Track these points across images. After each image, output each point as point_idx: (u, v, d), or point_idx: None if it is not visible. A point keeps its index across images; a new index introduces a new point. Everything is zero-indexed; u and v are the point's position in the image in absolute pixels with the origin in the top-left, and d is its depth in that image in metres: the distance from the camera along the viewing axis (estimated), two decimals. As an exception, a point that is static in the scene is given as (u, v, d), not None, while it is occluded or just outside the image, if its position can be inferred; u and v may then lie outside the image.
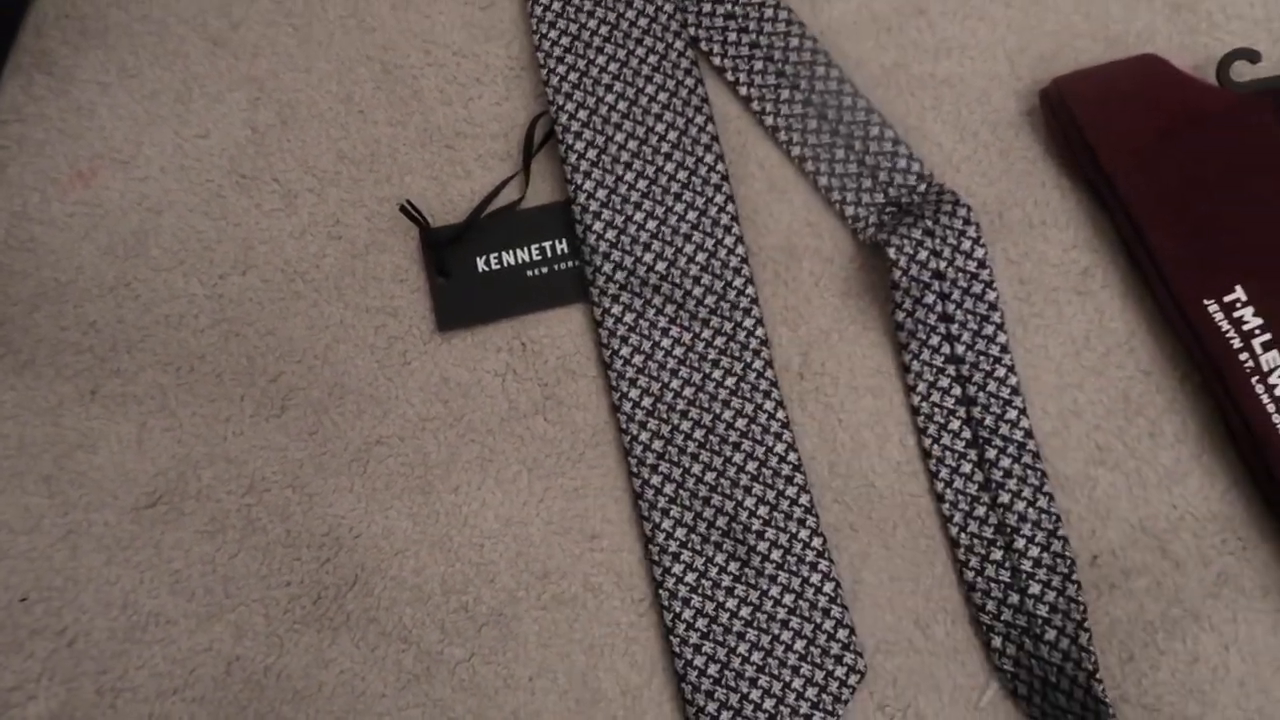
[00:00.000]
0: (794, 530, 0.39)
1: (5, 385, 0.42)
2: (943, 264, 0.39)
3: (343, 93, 0.44)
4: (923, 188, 0.42)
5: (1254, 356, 0.38)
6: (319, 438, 0.41)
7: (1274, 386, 0.38)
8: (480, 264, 0.42)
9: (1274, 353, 0.38)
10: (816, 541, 0.39)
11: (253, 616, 0.40)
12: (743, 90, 0.43)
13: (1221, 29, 0.43)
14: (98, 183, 0.43)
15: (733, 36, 0.44)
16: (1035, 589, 0.37)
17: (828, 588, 0.38)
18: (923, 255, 0.39)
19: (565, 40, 0.43)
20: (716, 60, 0.44)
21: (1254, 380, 0.38)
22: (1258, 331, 0.38)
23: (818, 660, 0.38)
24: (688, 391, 0.40)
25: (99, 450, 0.41)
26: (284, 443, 0.41)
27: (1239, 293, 0.39)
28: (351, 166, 0.43)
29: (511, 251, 0.42)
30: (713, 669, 0.38)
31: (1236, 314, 0.39)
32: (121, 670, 0.39)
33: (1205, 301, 0.39)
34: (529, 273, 0.42)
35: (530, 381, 0.41)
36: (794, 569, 0.38)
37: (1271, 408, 0.38)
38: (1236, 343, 0.38)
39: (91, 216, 0.43)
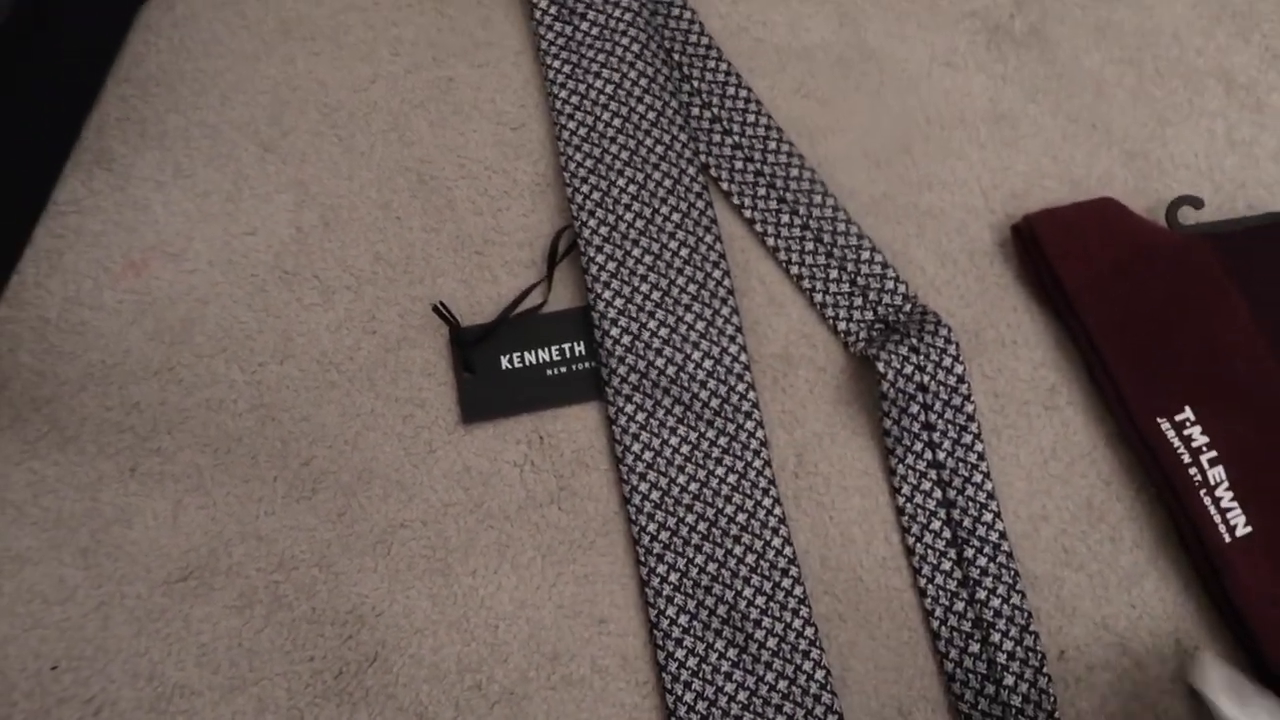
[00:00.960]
0: (789, 620, 0.42)
1: (49, 460, 0.44)
2: (926, 378, 0.43)
3: (382, 199, 0.48)
4: (908, 307, 0.46)
5: (1202, 471, 0.42)
6: (346, 519, 0.44)
7: (1220, 499, 0.42)
8: (504, 362, 0.46)
9: (1220, 468, 0.42)
10: (809, 631, 0.42)
11: (275, 690, 0.42)
12: (747, 213, 0.48)
13: (1170, 176, 0.49)
14: (149, 273, 0.47)
15: (739, 165, 0.48)
16: (1010, 680, 0.40)
17: (819, 675, 0.41)
18: (908, 370, 0.43)
19: (589, 163, 0.48)
20: (724, 185, 0.48)
21: (1202, 493, 0.42)
22: (1205, 448, 0.43)
23: (809, 743, 0.41)
24: (693, 487, 0.44)
25: (134, 525, 0.43)
26: (313, 523, 0.44)
27: (1188, 412, 0.43)
28: (387, 267, 0.47)
29: (534, 351, 0.46)
30: (710, 749, 0.41)
31: (1186, 432, 0.43)
32: (145, 739, 0.41)
33: (1158, 419, 0.44)
34: (549, 371, 0.46)
35: (547, 473, 0.45)
36: (788, 656, 0.41)
37: (1218, 518, 0.42)
38: (1186, 458, 0.43)
39: (141, 304, 0.46)
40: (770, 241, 0.47)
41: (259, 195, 0.48)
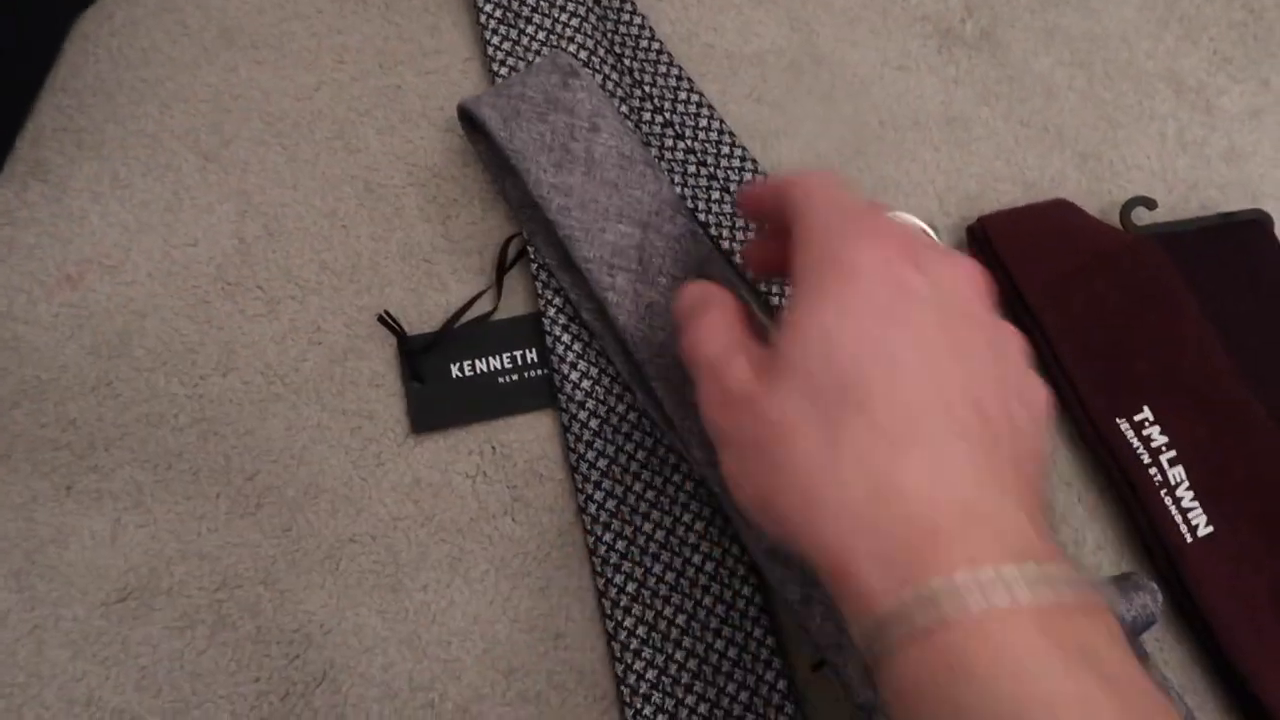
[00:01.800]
0: (749, 629, 0.41)
1: (-21, 480, 0.42)
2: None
3: (327, 208, 0.47)
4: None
5: (1162, 471, 0.42)
6: (292, 535, 0.42)
7: (1181, 499, 0.42)
8: (454, 370, 0.45)
9: (1179, 468, 0.42)
10: (770, 640, 0.41)
11: (219, 713, 0.40)
12: (701, 216, 0.47)
13: (1123, 177, 0.49)
14: (85, 286, 0.45)
15: (692, 169, 0.48)
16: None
17: (780, 684, 0.40)
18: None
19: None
20: (678, 189, 0.48)
21: (1163, 493, 0.42)
22: (1164, 448, 0.43)
23: (771, 755, 0.40)
24: (649, 495, 0.43)
25: (70, 545, 0.42)
26: (258, 540, 0.42)
27: (1146, 412, 0.43)
28: (333, 277, 0.46)
29: (484, 359, 0.45)
30: (670, 765, 0.40)
31: (1145, 432, 0.43)
32: (81, 769, 0.39)
33: (1118, 420, 0.43)
34: (500, 380, 0.45)
35: (499, 484, 0.43)
36: (749, 666, 0.40)
37: (1179, 518, 0.42)
38: (1146, 458, 0.43)
39: (77, 318, 0.45)
40: (726, 245, 0.47)
41: (200, 205, 0.47)
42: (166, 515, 0.42)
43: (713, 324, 0.33)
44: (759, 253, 0.39)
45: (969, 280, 0.32)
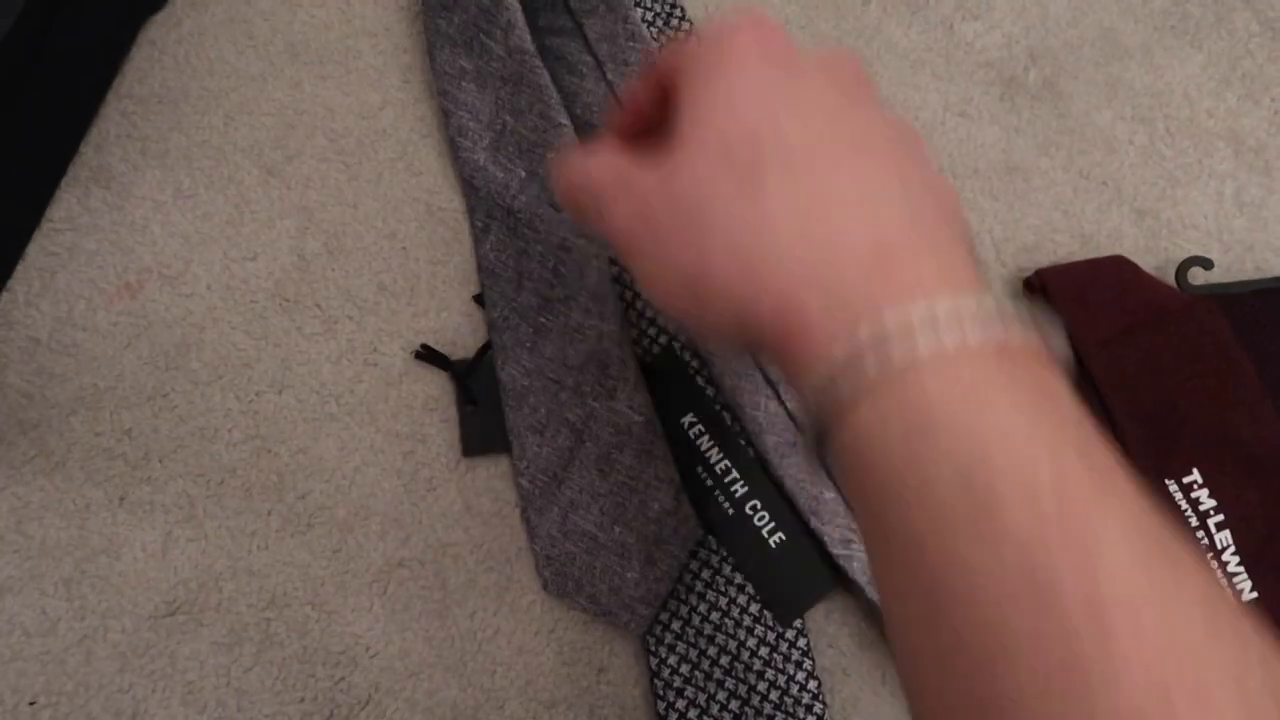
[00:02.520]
0: (791, 673, 0.41)
1: (35, 486, 0.43)
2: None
3: (388, 229, 0.47)
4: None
5: (1209, 535, 0.42)
6: (342, 556, 0.43)
7: (1227, 564, 0.42)
8: (507, 398, 0.45)
9: (1227, 532, 0.42)
10: (812, 685, 0.41)
11: (263, 732, 0.40)
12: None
13: (1179, 236, 0.49)
14: (144, 295, 0.45)
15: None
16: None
17: (822, 729, 0.41)
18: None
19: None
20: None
21: (1209, 557, 0.42)
22: (1212, 512, 0.43)
23: (810, 801, 0.40)
24: (698, 534, 0.43)
25: (122, 556, 0.42)
26: (307, 560, 0.42)
27: (1196, 475, 0.43)
28: (391, 299, 0.46)
29: (537, 389, 0.45)
30: (708, 804, 0.40)
31: (1194, 495, 0.43)
32: (125, 781, 0.40)
33: (1166, 481, 0.43)
34: (552, 410, 0.45)
35: (549, 514, 0.44)
36: (790, 710, 0.41)
37: (1224, 583, 0.42)
38: (1194, 521, 0.43)
39: (135, 327, 0.45)
40: None
41: (261, 220, 0.47)
42: (217, 530, 0.43)
43: (600, 162, 0.30)
44: (630, 117, 0.34)
45: (851, 61, 0.30)
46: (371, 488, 0.44)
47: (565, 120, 0.46)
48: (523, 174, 0.46)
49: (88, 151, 0.48)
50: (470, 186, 0.47)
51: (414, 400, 0.45)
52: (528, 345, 0.44)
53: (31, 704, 0.40)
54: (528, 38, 0.47)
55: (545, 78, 0.47)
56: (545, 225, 0.45)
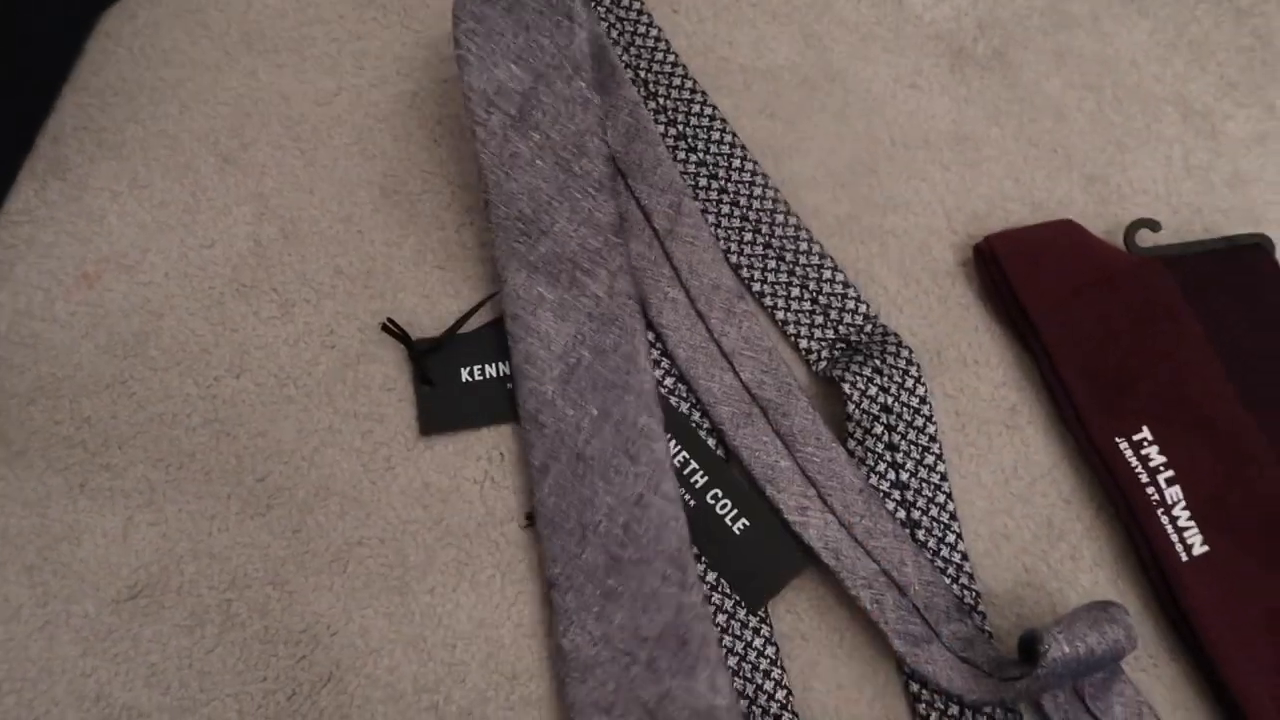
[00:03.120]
0: (749, 639, 0.42)
1: (-5, 475, 0.43)
2: (890, 399, 0.43)
3: (343, 213, 0.48)
4: (869, 327, 0.46)
5: (1159, 490, 0.43)
6: (302, 536, 0.43)
7: (1177, 518, 0.42)
8: (464, 374, 0.45)
9: (1177, 488, 0.43)
10: (770, 650, 0.41)
11: (227, 712, 0.41)
12: (711, 230, 0.48)
13: (1129, 200, 0.50)
14: (102, 285, 0.46)
15: (703, 182, 0.49)
16: (972, 699, 0.40)
17: (780, 695, 0.41)
18: (873, 391, 0.43)
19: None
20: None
21: (1159, 512, 0.43)
22: (1162, 468, 0.43)
23: (770, 765, 0.40)
24: (655, 505, 0.43)
25: (83, 543, 0.42)
26: (267, 540, 0.43)
27: (1145, 432, 0.44)
28: (348, 281, 0.47)
29: (494, 364, 0.46)
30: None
31: (1144, 451, 0.44)
32: (89, 763, 0.40)
33: (1116, 439, 0.44)
34: (509, 385, 0.45)
35: (507, 489, 0.44)
36: (749, 676, 0.41)
37: (1175, 538, 0.42)
38: (1144, 477, 0.43)
39: (93, 316, 0.45)
40: (734, 259, 0.47)
41: (218, 207, 0.47)
42: (178, 514, 0.43)
43: None
44: None
45: None
46: (330, 468, 0.44)
47: (648, 365, 0.43)
48: (594, 412, 0.42)
49: (44, 144, 0.48)
50: (535, 421, 0.42)
51: (371, 381, 0.45)
52: (594, 611, 0.39)
53: (-5, 690, 0.40)
54: (630, 282, 0.44)
55: (640, 322, 0.44)
56: (619, 477, 0.42)
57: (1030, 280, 0.46)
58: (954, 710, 0.40)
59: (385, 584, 0.43)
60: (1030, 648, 0.38)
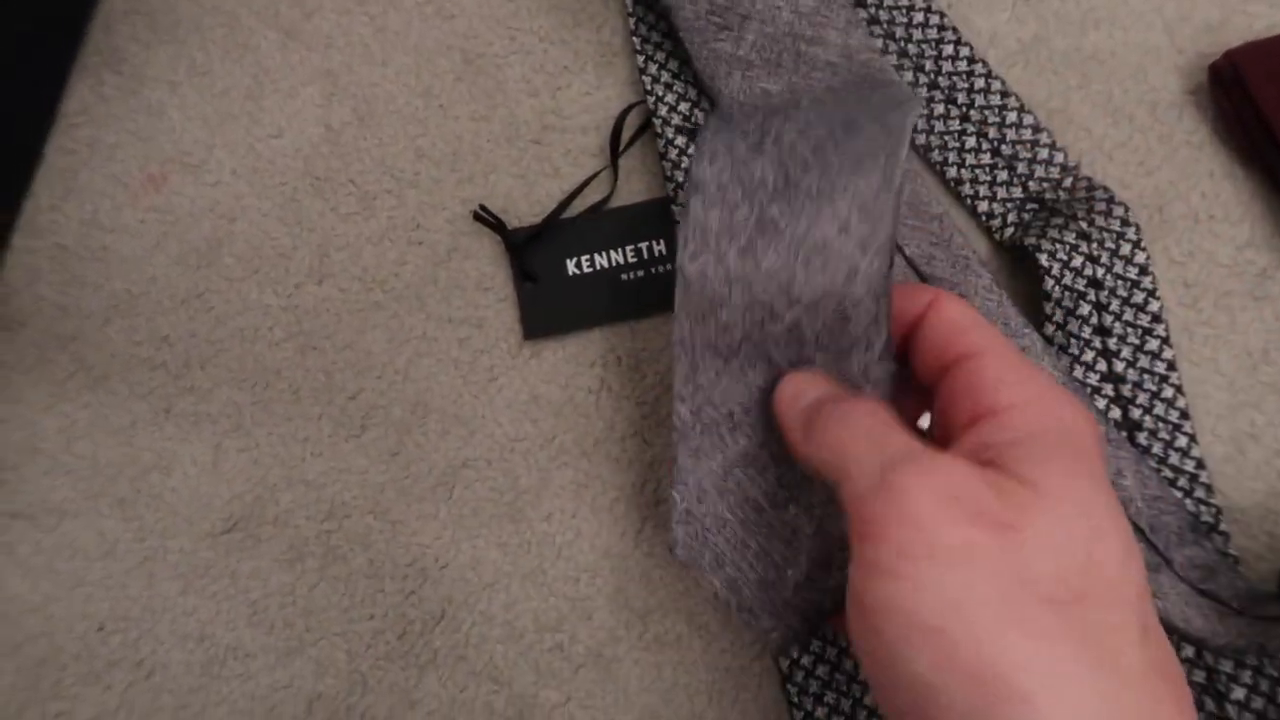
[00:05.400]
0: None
1: (80, 403, 0.40)
2: (1100, 270, 0.34)
3: (421, 86, 0.41)
4: (1068, 181, 0.37)
5: None
6: (401, 460, 0.38)
7: None
8: (570, 267, 0.39)
9: None
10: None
11: (335, 652, 0.37)
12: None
13: None
14: (169, 188, 0.41)
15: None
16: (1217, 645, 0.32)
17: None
18: (1076, 261, 0.34)
19: (664, 22, 0.39)
20: (831, 40, 0.39)
21: None
22: None
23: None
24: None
25: (173, 473, 0.39)
26: (364, 465, 0.38)
27: None
28: (432, 166, 0.40)
29: (604, 253, 0.39)
30: (833, 720, 0.34)
31: None
32: (200, 706, 0.37)
33: None
34: (623, 276, 0.38)
35: (627, 399, 0.38)
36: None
37: None
38: None
39: (163, 224, 0.41)
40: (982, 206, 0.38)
41: (283, 90, 0.41)
42: (268, 438, 0.39)
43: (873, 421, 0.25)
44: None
45: None
46: (427, 381, 0.39)
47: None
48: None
49: (96, 34, 0.43)
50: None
51: (465, 280, 0.39)
52: (740, 242, 0.29)
53: (100, 629, 0.38)
54: (866, 32, 0.38)
55: (896, 74, 0.37)
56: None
57: (1289, 104, 0.35)
58: (1188, 652, 0.32)
59: (496, 510, 0.37)
60: None
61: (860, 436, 0.25)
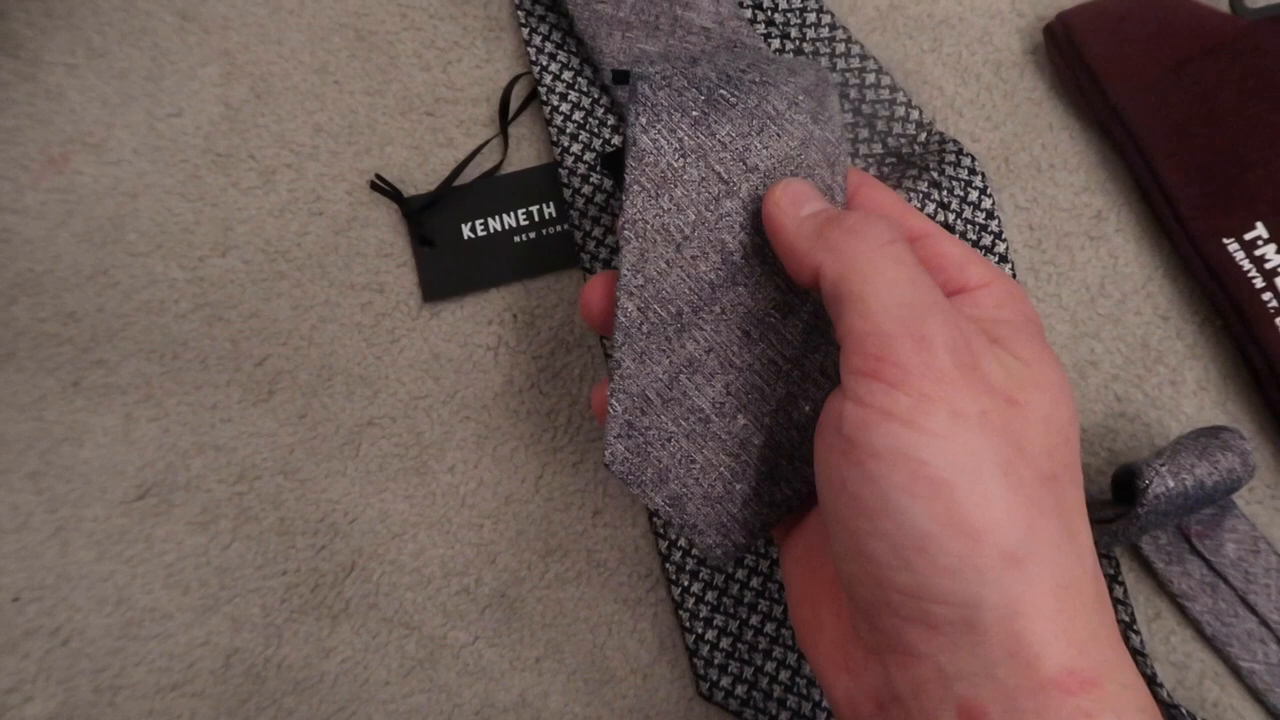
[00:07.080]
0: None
1: (-14, 381, 0.40)
2: (950, 216, 0.37)
3: (317, 63, 0.42)
4: (923, 136, 0.40)
5: (1277, 296, 0.36)
6: (308, 421, 0.40)
7: (1301, 327, 0.36)
8: (465, 231, 0.41)
9: (1299, 291, 0.36)
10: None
11: (250, 608, 0.38)
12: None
13: (1234, -47, 0.41)
14: (70, 168, 0.42)
15: None
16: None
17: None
18: (929, 208, 0.37)
19: (545, -4, 0.41)
20: (704, 11, 0.42)
21: (1278, 320, 0.36)
22: (1281, 270, 0.37)
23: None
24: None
25: (85, 444, 0.40)
26: (273, 428, 0.40)
27: (1260, 229, 0.37)
28: (329, 139, 0.42)
29: (498, 217, 0.41)
30: (725, 642, 0.36)
31: (1258, 252, 0.37)
32: (119, 667, 0.38)
33: (1225, 240, 0.37)
34: (516, 238, 0.41)
35: (524, 354, 0.40)
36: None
37: (1298, 348, 0.36)
38: (1259, 282, 0.37)
39: (66, 203, 0.42)
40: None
41: (181, 71, 0.43)
42: (178, 407, 0.40)
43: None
44: None
45: None
46: (331, 345, 0.40)
47: None
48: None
49: (-10, 20, 0.44)
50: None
51: (365, 247, 0.41)
52: (693, 114, 0.28)
53: (15, 600, 0.39)
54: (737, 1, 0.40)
55: (762, 40, 0.40)
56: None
57: (1115, 60, 0.39)
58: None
59: (401, 465, 0.39)
60: (1127, 484, 0.33)
61: (888, 262, 0.24)
